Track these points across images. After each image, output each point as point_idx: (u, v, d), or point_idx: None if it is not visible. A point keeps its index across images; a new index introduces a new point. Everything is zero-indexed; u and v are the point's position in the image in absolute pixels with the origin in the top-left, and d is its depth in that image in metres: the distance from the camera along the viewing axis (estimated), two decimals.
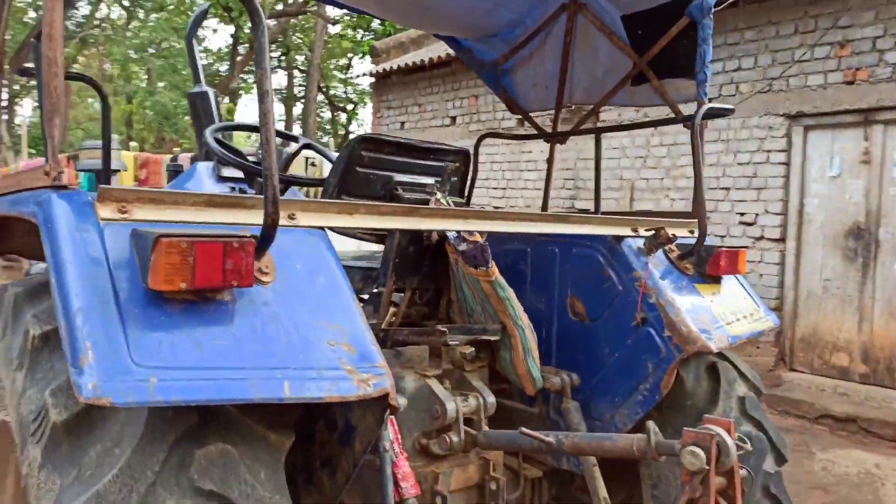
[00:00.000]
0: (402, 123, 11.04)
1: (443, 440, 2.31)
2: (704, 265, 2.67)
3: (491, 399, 2.44)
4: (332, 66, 29.06)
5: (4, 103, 24.68)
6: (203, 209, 1.63)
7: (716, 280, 2.73)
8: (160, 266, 1.37)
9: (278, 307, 1.58)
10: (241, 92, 29.55)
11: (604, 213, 3.56)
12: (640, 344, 2.54)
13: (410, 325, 2.70)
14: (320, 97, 27.74)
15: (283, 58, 28.23)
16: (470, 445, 2.35)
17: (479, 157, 3.50)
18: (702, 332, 2.43)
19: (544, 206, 3.79)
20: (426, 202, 2.47)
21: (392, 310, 2.56)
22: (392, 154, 2.55)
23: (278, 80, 28.91)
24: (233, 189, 3.54)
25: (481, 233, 2.66)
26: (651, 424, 1.83)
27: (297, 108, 29.45)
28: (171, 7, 23.08)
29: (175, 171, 4.06)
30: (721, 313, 2.60)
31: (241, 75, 26.57)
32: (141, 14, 26.11)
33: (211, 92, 3.92)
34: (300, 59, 28.52)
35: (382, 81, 11.32)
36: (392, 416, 2.27)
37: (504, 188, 9.55)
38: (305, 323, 1.58)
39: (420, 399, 2.35)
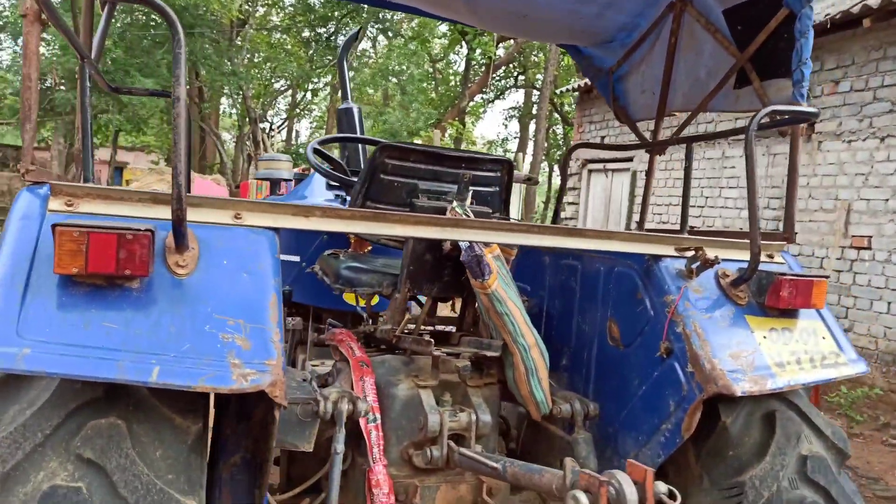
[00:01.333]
0: (602, 138, 10.73)
1: (424, 453, 2.25)
2: (764, 295, 2.27)
3: (486, 418, 2.31)
4: (570, 82, 29.14)
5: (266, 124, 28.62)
6: (149, 206, 1.81)
7: (786, 314, 2.31)
8: (56, 251, 1.55)
9: (184, 298, 1.69)
10: (480, 112, 30.96)
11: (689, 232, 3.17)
12: (665, 378, 2.24)
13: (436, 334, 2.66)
14: (555, 114, 27.97)
15: (521, 76, 28.93)
16: (453, 462, 2.25)
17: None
18: (730, 372, 2.07)
19: (641, 223, 3.48)
20: (444, 211, 2.43)
21: (408, 316, 2.55)
22: (418, 162, 2.55)
23: (516, 98, 29.59)
24: (337, 196, 3.79)
25: (510, 246, 2.55)
26: (569, 461, 1.61)
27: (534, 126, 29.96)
28: (410, 36, 24.99)
29: (299, 179, 4.44)
30: (776, 352, 2.19)
31: (481, 96, 27.84)
32: (381, 41, 28.75)
33: (356, 109, 4.24)
34: (541, 76, 29.03)
35: (586, 96, 11.12)
36: (377, 423, 2.29)
37: (702, 206, 8.82)
38: (206, 315, 1.67)
39: (411, 408, 2.32)
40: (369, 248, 3.31)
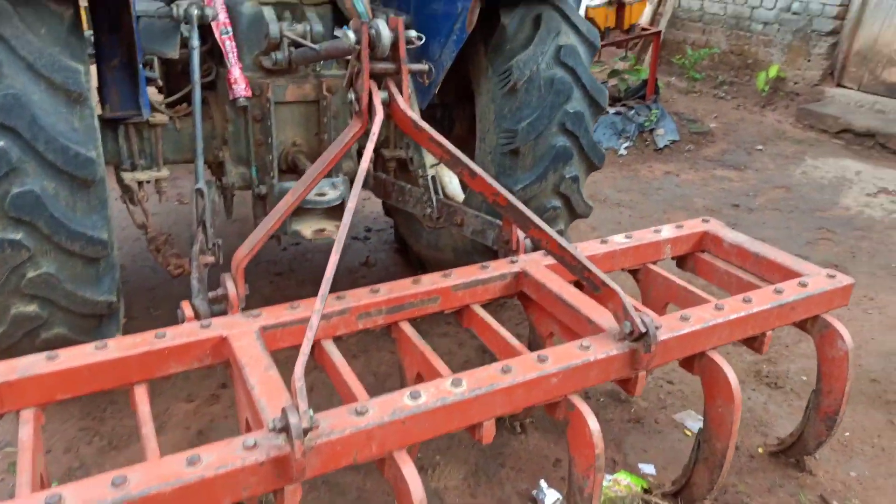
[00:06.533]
0: None
1: (270, 57, 2.84)
2: None
3: (318, 28, 2.88)
4: None
5: None
6: None
7: None
8: None
9: None
10: None
11: None
12: None
13: None
14: None
15: None
16: (295, 64, 2.87)
17: None
18: None
19: None
20: None
21: None
22: None
23: None
24: None
25: None
26: (343, 30, 2.19)
27: None
28: None
29: None
30: None
31: None
32: None
33: None
34: None
35: None
36: (229, 34, 2.83)
37: None
38: None
39: (256, 23, 2.85)
40: None
